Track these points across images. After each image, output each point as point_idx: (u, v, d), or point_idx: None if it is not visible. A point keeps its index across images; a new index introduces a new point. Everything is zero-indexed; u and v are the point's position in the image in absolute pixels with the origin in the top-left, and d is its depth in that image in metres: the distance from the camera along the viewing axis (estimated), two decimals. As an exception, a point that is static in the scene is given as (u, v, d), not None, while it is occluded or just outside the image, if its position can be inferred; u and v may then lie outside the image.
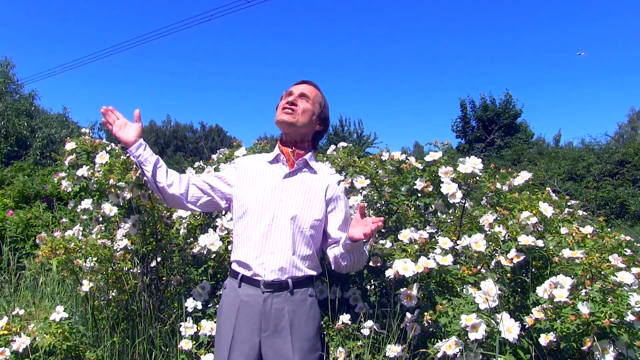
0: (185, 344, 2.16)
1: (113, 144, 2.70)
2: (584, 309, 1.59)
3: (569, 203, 2.58)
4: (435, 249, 1.95)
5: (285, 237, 1.69)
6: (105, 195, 2.30)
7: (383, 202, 2.30)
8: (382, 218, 1.62)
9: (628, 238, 2.18)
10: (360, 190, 2.38)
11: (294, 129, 1.78)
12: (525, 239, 1.87)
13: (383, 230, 2.32)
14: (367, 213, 2.39)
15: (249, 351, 1.66)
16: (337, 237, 1.79)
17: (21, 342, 2.15)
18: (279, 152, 1.81)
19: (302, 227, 1.71)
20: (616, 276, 1.65)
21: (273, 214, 1.70)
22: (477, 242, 1.93)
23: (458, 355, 1.62)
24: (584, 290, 1.68)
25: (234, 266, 1.75)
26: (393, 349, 1.89)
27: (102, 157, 2.27)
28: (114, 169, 2.20)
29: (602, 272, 1.77)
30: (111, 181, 2.16)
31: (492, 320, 1.66)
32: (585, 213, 2.70)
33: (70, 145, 2.50)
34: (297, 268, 1.70)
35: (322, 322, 2.01)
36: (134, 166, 2.17)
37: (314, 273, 1.77)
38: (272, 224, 1.69)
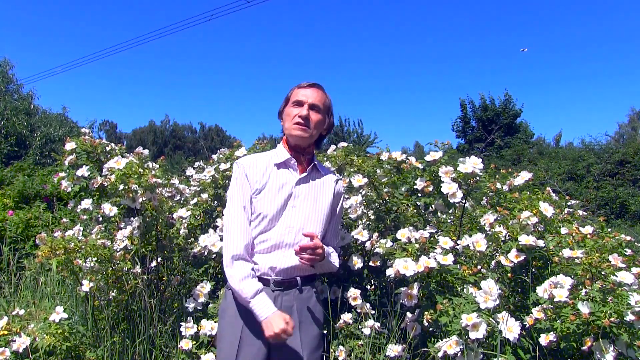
0: (186, 344, 2.16)
1: (113, 144, 2.70)
2: (584, 308, 1.59)
3: (569, 203, 2.58)
4: (436, 248, 1.95)
5: (297, 241, 1.71)
6: (112, 196, 2.30)
7: (381, 202, 2.30)
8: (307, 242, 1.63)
9: (628, 238, 2.18)
10: (360, 190, 2.39)
11: (307, 141, 1.79)
12: (525, 239, 1.87)
13: (383, 230, 2.32)
14: (366, 213, 2.40)
15: (257, 351, 1.66)
16: (326, 238, 1.84)
17: (21, 342, 2.15)
18: (289, 157, 1.77)
19: (315, 231, 1.73)
20: (616, 276, 1.66)
21: (288, 220, 1.72)
22: (477, 242, 1.93)
23: (459, 355, 1.62)
24: (584, 290, 1.68)
25: None
26: (393, 349, 1.89)
27: (118, 162, 2.25)
28: (131, 174, 2.20)
29: (602, 272, 1.77)
30: (133, 186, 2.15)
31: (492, 320, 1.66)
32: (585, 213, 2.70)
33: (70, 145, 2.50)
34: (305, 267, 1.72)
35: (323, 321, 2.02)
36: (148, 169, 2.18)
37: (317, 271, 1.81)
38: (286, 229, 1.71)
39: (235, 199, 1.73)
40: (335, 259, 1.82)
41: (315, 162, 1.82)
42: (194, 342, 2.16)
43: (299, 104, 1.76)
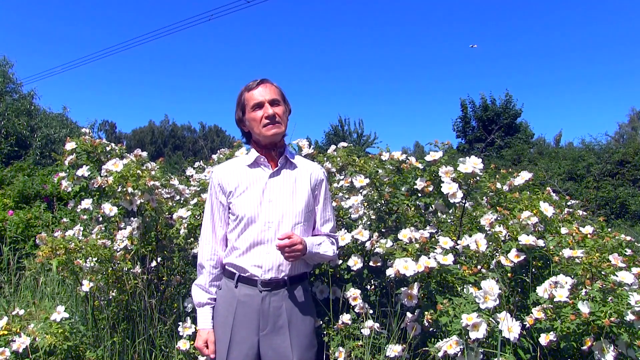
0: (183, 344, 2.16)
1: (113, 144, 2.70)
2: (584, 308, 1.59)
3: (569, 203, 2.58)
4: (436, 248, 1.95)
5: (279, 235, 1.69)
6: (113, 198, 2.31)
7: (383, 202, 2.30)
8: (284, 241, 1.62)
9: (628, 238, 2.18)
10: (360, 190, 2.39)
11: (280, 136, 1.79)
12: (526, 239, 1.87)
13: (383, 230, 2.32)
14: (367, 213, 2.40)
15: (247, 351, 1.67)
16: (317, 227, 1.84)
17: (21, 342, 2.15)
18: (257, 155, 1.79)
19: (295, 222, 1.73)
20: (616, 276, 1.66)
21: (265, 216, 1.71)
22: (478, 242, 1.93)
23: (459, 355, 1.62)
24: (584, 290, 1.68)
25: (229, 268, 1.76)
26: (393, 349, 1.89)
27: (115, 165, 2.25)
28: (129, 177, 2.20)
29: (602, 272, 1.77)
30: (129, 190, 2.16)
31: (492, 320, 1.66)
32: (585, 213, 2.70)
33: (70, 145, 2.50)
34: (292, 265, 1.72)
35: (319, 319, 2.01)
36: (147, 171, 2.17)
37: (307, 269, 1.81)
38: (265, 225, 1.71)
39: (208, 209, 1.82)
40: (327, 248, 1.80)
41: (287, 154, 1.81)
42: (192, 343, 2.16)
43: (259, 105, 1.75)
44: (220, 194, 1.78)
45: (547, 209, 2.08)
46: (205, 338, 1.75)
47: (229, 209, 1.77)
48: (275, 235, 1.69)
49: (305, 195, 1.78)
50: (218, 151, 2.96)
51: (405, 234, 2.00)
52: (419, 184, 2.13)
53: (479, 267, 1.98)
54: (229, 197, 1.76)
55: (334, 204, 2.40)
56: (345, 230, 2.24)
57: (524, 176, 2.34)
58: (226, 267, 1.77)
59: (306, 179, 1.81)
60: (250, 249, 1.70)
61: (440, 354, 1.65)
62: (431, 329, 1.82)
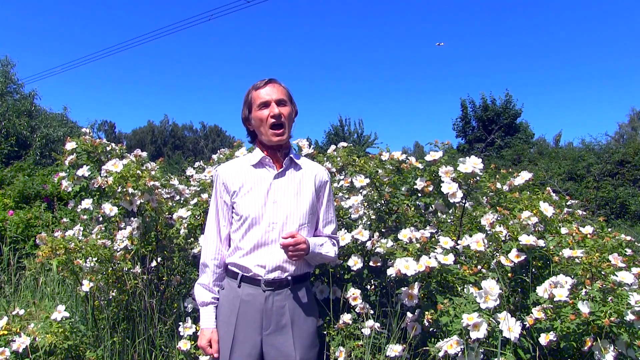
0: (184, 344, 2.16)
1: (113, 144, 2.70)
2: (584, 308, 1.59)
3: (568, 203, 2.58)
4: (436, 248, 1.95)
5: (283, 234, 1.69)
6: (113, 198, 2.31)
7: (383, 202, 2.30)
8: (288, 240, 1.62)
9: (628, 238, 2.18)
10: (361, 190, 2.39)
11: (285, 140, 1.79)
12: (526, 239, 1.87)
13: (383, 230, 2.32)
14: (367, 213, 2.40)
15: (250, 350, 1.67)
16: (319, 228, 1.84)
17: (21, 342, 2.15)
18: (263, 156, 1.78)
19: (299, 223, 1.73)
20: (616, 276, 1.66)
21: (270, 216, 1.71)
22: (478, 242, 1.93)
23: (459, 355, 1.62)
24: (584, 290, 1.68)
25: (232, 268, 1.76)
26: (394, 349, 1.89)
27: (115, 165, 2.26)
28: (128, 177, 2.20)
29: (602, 272, 1.78)
30: (129, 190, 2.16)
31: (493, 320, 1.66)
32: (585, 213, 2.70)
33: (70, 145, 2.50)
34: (296, 265, 1.72)
35: (320, 319, 2.01)
36: (147, 171, 2.17)
37: (310, 270, 1.81)
38: (270, 225, 1.71)
39: (212, 208, 1.82)
40: (329, 249, 1.80)
41: (292, 155, 1.81)
42: (192, 343, 2.16)
43: (266, 104, 1.75)
44: (224, 193, 1.78)
45: (547, 209, 2.08)
46: (209, 337, 1.74)
47: (233, 208, 1.77)
48: (279, 236, 1.69)
49: (310, 197, 1.78)
50: (218, 151, 2.96)
51: (405, 234, 2.00)
52: (419, 184, 2.13)
53: (479, 267, 1.98)
54: (233, 196, 1.76)
55: (334, 203, 2.40)
56: (346, 230, 2.24)
57: (524, 176, 2.34)
58: (229, 266, 1.77)
59: (310, 181, 1.81)
60: (254, 250, 1.71)
61: (440, 354, 1.65)
62: (431, 328, 1.82)
